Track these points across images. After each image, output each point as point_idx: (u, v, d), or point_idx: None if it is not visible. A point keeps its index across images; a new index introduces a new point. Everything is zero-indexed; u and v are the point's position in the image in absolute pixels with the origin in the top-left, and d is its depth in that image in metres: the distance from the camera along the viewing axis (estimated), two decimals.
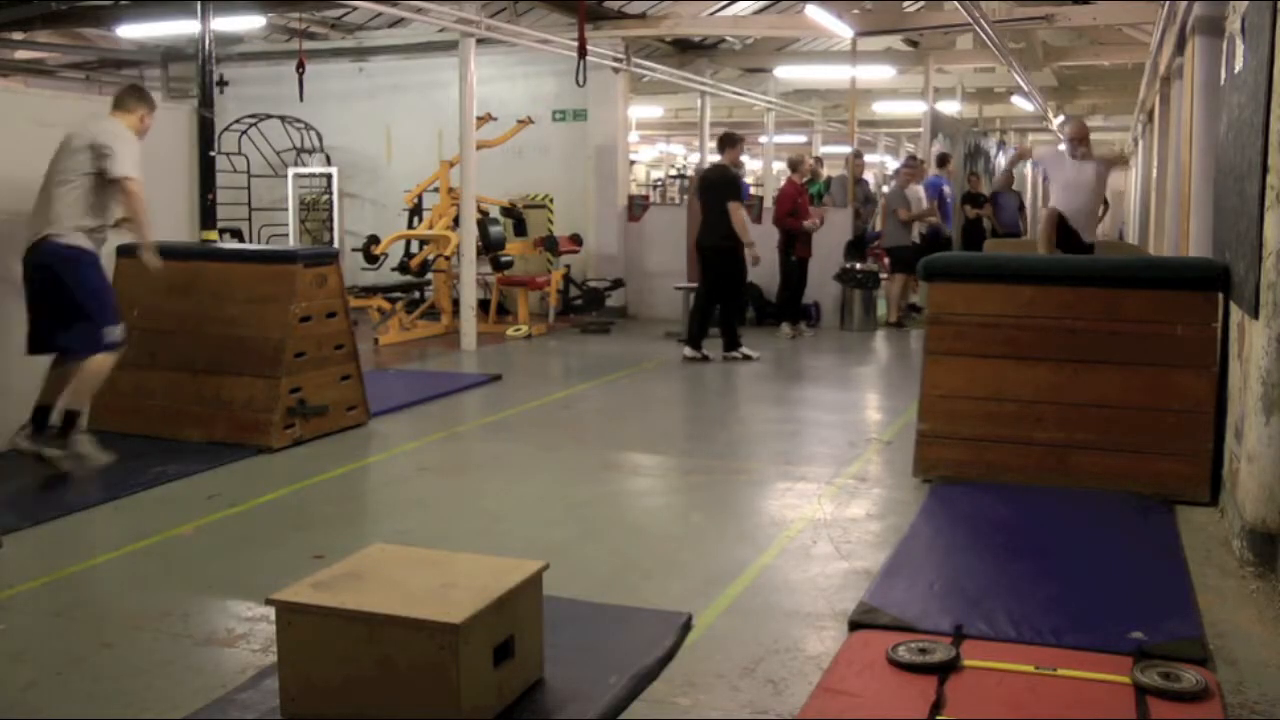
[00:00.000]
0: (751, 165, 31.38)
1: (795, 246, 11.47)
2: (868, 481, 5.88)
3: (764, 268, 12.66)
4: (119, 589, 4.37)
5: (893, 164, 30.56)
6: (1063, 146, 8.96)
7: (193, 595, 4.21)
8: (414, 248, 11.98)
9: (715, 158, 10.91)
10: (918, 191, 13.07)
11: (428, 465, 6.36)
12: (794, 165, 12.04)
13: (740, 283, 10.22)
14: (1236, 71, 5.04)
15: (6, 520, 4.88)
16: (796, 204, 11.43)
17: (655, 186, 28.19)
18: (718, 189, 9.89)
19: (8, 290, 6.39)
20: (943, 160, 13.93)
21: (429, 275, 11.81)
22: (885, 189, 15.14)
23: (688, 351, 9.90)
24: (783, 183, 12.51)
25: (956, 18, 11.04)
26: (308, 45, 12.65)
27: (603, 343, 11.22)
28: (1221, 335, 5.44)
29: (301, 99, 11.23)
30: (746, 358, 9.91)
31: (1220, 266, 5.45)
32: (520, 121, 12.14)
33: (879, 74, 16.22)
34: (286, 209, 13.55)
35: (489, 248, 11.29)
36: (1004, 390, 5.74)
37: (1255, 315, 4.43)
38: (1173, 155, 9.85)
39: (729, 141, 10.21)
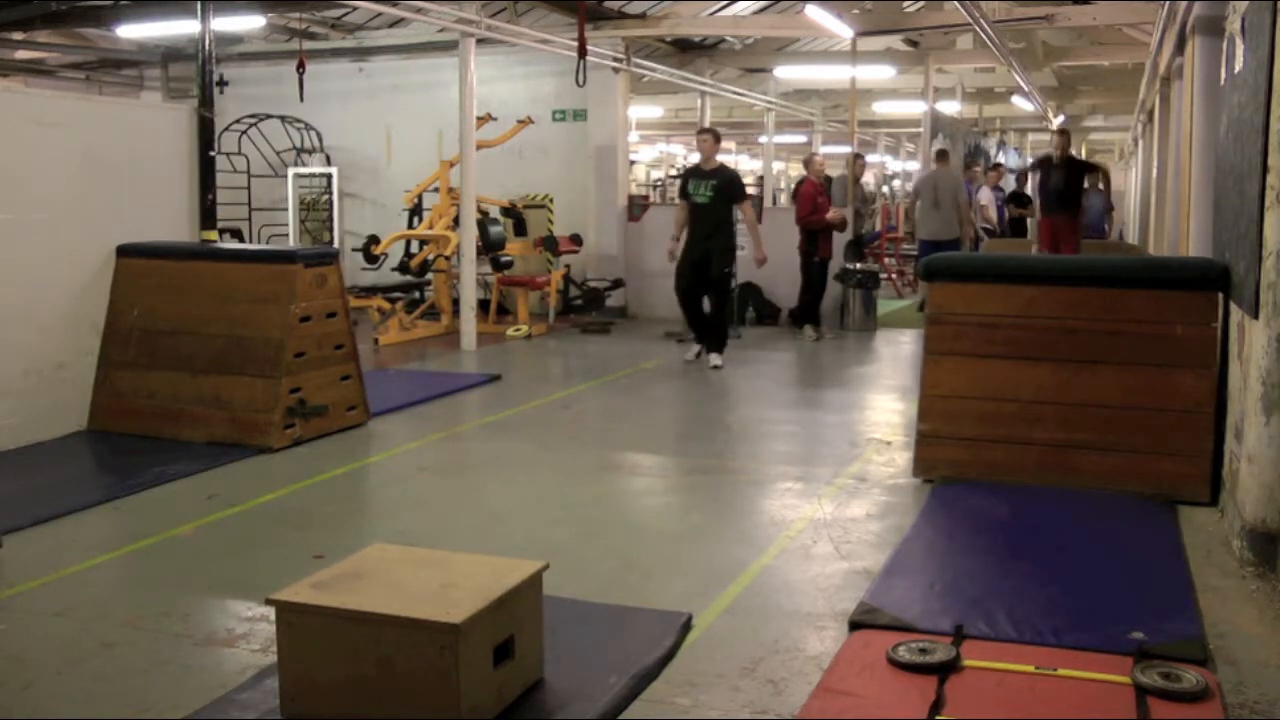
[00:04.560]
0: (751, 165, 31.51)
1: (818, 246, 11.44)
2: (868, 481, 5.88)
3: (766, 268, 12.67)
4: (119, 589, 4.37)
5: (893, 164, 30.67)
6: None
7: (193, 595, 4.21)
8: (414, 248, 11.98)
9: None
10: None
11: (428, 465, 6.35)
12: (806, 164, 12.11)
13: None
14: (1236, 71, 5.04)
15: (6, 520, 4.88)
16: (816, 203, 11.40)
17: (655, 186, 28.20)
18: None
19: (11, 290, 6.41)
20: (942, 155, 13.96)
21: (429, 275, 11.82)
22: (885, 189, 15.15)
23: (715, 360, 9.60)
24: (802, 183, 12.43)
25: (956, 18, 11.03)
26: (308, 45, 12.65)
27: (603, 343, 11.22)
28: (1221, 335, 5.44)
29: (301, 99, 11.22)
30: (717, 366, 9.61)
31: (1220, 266, 5.45)
32: (520, 121, 12.14)
33: (879, 74, 16.21)
34: (286, 209, 13.56)
35: (489, 248, 11.29)
36: (1004, 390, 5.74)
37: (1255, 315, 4.43)
38: (1173, 155, 9.85)
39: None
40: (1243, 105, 4.78)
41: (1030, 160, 13.20)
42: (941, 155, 13.57)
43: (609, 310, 12.88)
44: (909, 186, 26.01)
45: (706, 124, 16.00)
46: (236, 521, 5.20)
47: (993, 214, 14.68)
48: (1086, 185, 13.20)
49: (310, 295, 6.75)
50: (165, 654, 3.66)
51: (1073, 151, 12.44)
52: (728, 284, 9.86)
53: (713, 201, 9.41)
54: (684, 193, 9.77)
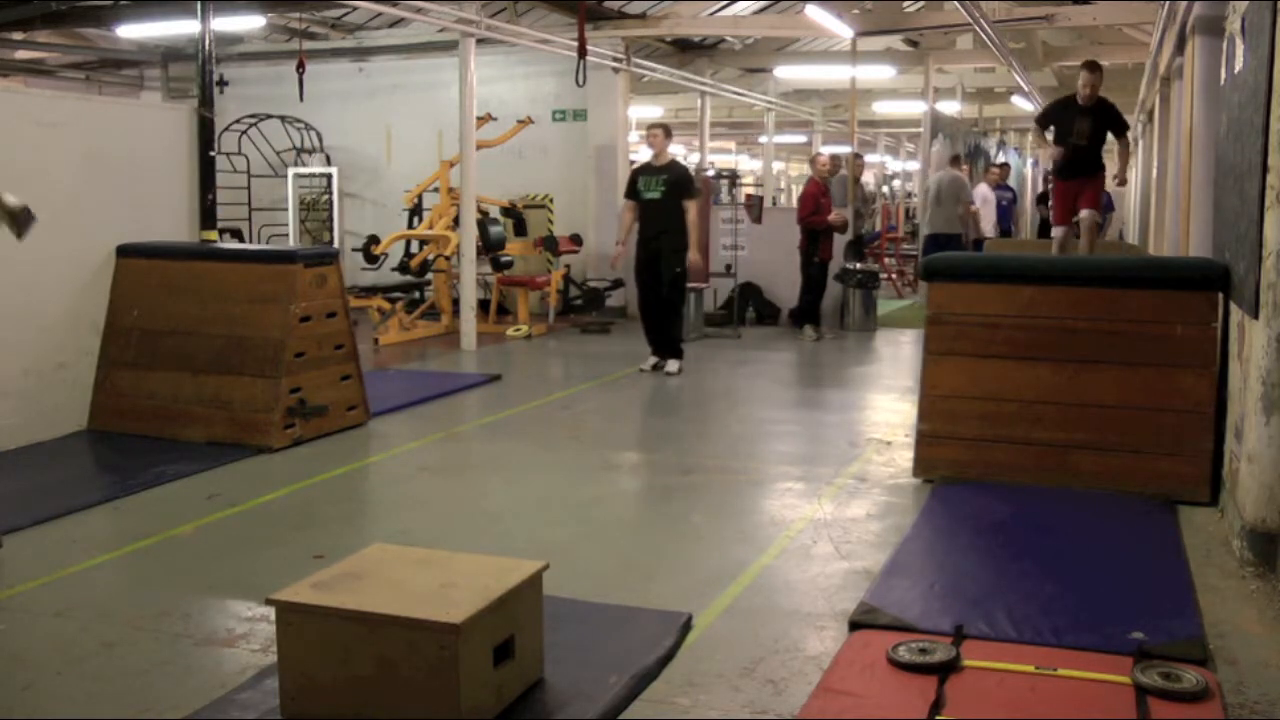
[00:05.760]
0: (751, 165, 31.52)
1: (819, 247, 11.44)
2: (868, 481, 5.88)
3: (767, 268, 12.63)
4: (119, 589, 4.38)
5: (893, 164, 30.66)
6: None
7: (193, 595, 4.21)
8: (414, 248, 11.98)
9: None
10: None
11: (428, 465, 6.35)
12: (812, 164, 12.12)
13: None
14: (1236, 71, 5.04)
15: (6, 520, 4.88)
16: (819, 203, 11.40)
17: None
18: None
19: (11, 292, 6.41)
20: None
21: (429, 275, 11.82)
22: (885, 189, 15.19)
23: (671, 367, 9.26)
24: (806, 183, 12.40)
25: (956, 18, 11.04)
26: (308, 45, 12.65)
27: (603, 343, 11.22)
28: (1221, 335, 5.44)
29: (301, 99, 11.23)
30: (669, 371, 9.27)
31: (1220, 266, 5.45)
32: (520, 121, 12.14)
33: (879, 74, 16.22)
34: (286, 209, 13.56)
35: (489, 248, 11.29)
36: (1004, 390, 5.74)
37: (1255, 315, 4.43)
38: (1173, 155, 9.84)
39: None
40: (1243, 105, 4.78)
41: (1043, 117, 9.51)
42: (954, 160, 13.83)
43: (609, 310, 12.89)
44: (909, 186, 26.06)
45: (707, 124, 16.05)
46: (236, 521, 5.20)
47: (990, 214, 14.68)
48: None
49: (310, 295, 6.75)
50: (165, 654, 3.66)
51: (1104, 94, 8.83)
52: (682, 285, 9.38)
53: (664, 198, 9.04)
54: (632, 192, 9.26)
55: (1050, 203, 9.44)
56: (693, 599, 4.10)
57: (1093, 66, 8.67)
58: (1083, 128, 8.55)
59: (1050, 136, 8.87)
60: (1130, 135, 9.05)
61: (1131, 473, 5.45)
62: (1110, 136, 8.85)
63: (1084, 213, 8.69)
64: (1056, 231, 9.02)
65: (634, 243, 9.29)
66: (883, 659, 3.47)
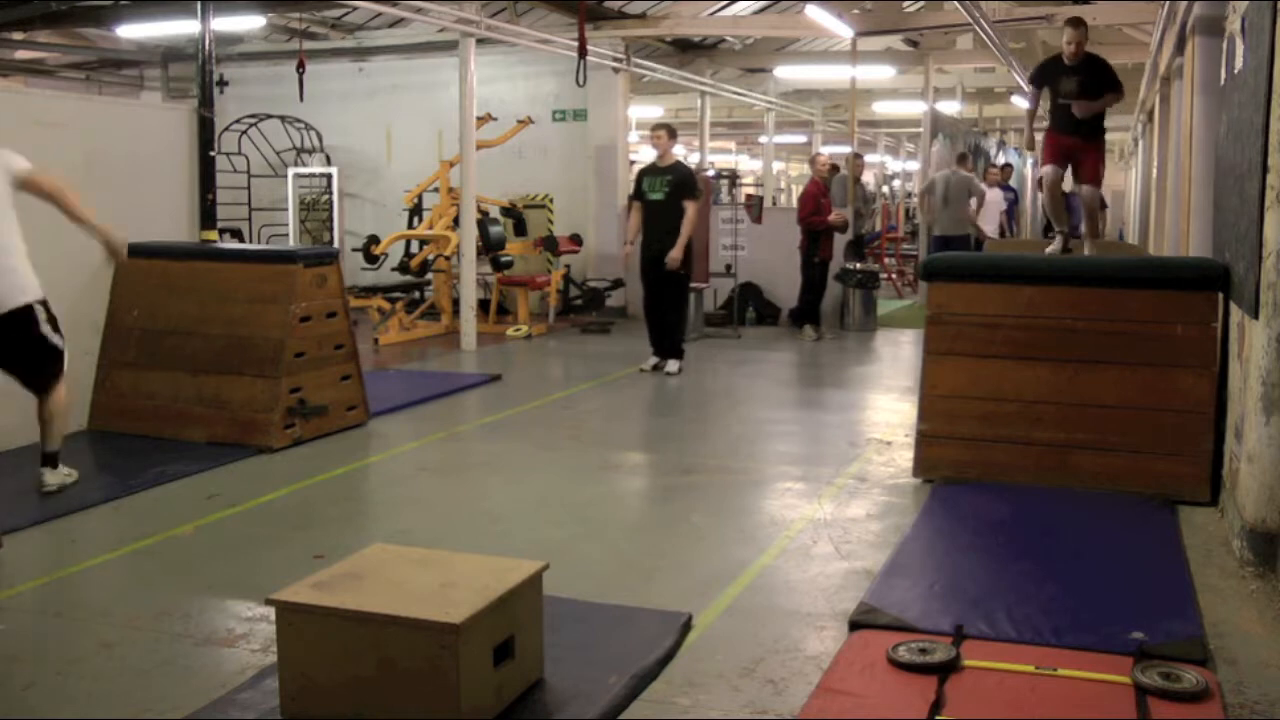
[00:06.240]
0: (751, 165, 31.53)
1: (820, 247, 11.44)
2: (868, 481, 5.88)
3: (767, 268, 12.65)
4: (119, 589, 4.38)
5: (893, 164, 30.67)
6: None
7: (193, 595, 4.21)
8: (414, 248, 11.99)
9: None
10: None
11: (428, 465, 6.35)
12: (811, 164, 12.13)
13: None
14: (1236, 71, 5.04)
15: (6, 520, 4.88)
16: (819, 203, 11.40)
17: None
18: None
19: None
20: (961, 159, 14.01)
21: (429, 275, 11.82)
22: (885, 189, 15.18)
23: (671, 367, 9.27)
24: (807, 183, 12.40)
25: (956, 18, 11.05)
26: (308, 45, 12.65)
27: (603, 343, 11.22)
28: (1221, 335, 5.45)
29: (301, 99, 11.24)
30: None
31: (1220, 266, 5.45)
32: (520, 121, 12.15)
33: (879, 74, 16.23)
34: (286, 209, 13.56)
35: (489, 248, 11.30)
36: (1004, 390, 5.74)
37: (1255, 315, 4.43)
38: (1173, 155, 9.84)
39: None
40: (1243, 105, 4.79)
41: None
42: (961, 159, 13.84)
43: (609, 310, 12.89)
44: (910, 186, 26.07)
45: (707, 124, 16.05)
46: (236, 521, 5.20)
47: (994, 215, 14.67)
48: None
49: (310, 295, 6.75)
50: (165, 654, 3.66)
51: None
52: (685, 285, 9.39)
53: (668, 198, 9.04)
54: (638, 193, 9.29)
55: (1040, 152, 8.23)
56: (693, 599, 4.10)
57: (1076, 22, 7.54)
58: (1070, 87, 7.43)
59: (1044, 99, 7.76)
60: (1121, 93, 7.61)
61: (1131, 473, 5.45)
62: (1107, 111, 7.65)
63: (1084, 188, 7.69)
64: (1046, 169, 7.61)
65: (638, 243, 9.30)
66: (883, 659, 3.47)
